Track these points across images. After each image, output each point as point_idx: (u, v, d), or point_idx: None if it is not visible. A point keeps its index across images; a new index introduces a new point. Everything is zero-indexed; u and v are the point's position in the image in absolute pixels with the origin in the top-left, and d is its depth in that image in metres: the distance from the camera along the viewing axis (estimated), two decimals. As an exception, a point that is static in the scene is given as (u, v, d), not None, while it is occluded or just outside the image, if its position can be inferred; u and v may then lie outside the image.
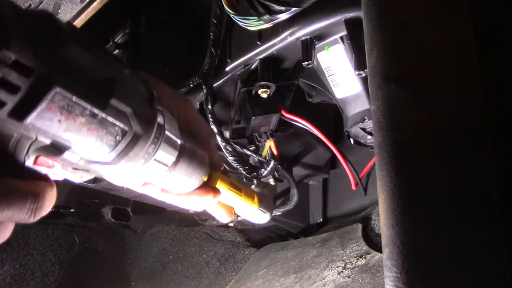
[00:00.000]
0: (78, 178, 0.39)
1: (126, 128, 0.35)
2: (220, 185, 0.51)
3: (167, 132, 0.40)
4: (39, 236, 1.41)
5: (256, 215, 0.58)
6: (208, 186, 0.49)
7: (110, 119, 0.34)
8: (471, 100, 0.41)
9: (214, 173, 0.50)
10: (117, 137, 0.35)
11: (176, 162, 0.42)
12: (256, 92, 0.85)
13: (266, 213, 0.59)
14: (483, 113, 0.40)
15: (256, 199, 0.57)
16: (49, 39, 0.31)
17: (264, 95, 0.85)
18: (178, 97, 0.49)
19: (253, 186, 0.63)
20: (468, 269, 0.35)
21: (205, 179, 0.48)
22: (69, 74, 0.31)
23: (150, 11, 1.02)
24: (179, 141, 0.42)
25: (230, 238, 1.49)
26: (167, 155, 0.40)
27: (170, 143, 0.41)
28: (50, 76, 0.30)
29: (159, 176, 0.42)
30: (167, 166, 0.41)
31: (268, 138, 0.92)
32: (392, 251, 0.41)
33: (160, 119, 0.39)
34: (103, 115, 0.34)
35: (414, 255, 0.39)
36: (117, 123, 0.35)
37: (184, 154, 0.43)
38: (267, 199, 0.60)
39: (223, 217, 0.55)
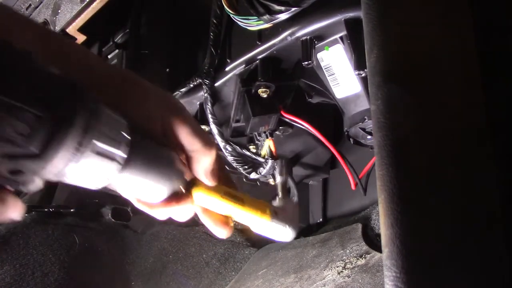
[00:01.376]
0: (35, 186, 0.35)
1: (41, 114, 0.31)
2: (205, 194, 0.48)
3: (104, 124, 0.35)
4: (39, 236, 1.41)
5: (272, 229, 0.54)
6: (182, 196, 0.46)
7: (18, 104, 0.30)
8: (471, 100, 0.41)
9: (196, 183, 0.47)
10: (33, 124, 0.31)
11: (127, 160, 0.38)
12: (256, 91, 0.85)
13: (285, 227, 0.54)
14: (483, 113, 0.40)
15: (268, 211, 0.53)
16: None
17: (264, 95, 0.85)
18: (168, 105, 0.45)
19: (273, 202, 0.60)
20: (468, 269, 0.35)
21: (183, 189, 0.45)
22: None
23: (150, 11, 1.02)
24: (127, 137, 0.38)
25: (230, 238, 1.49)
26: (108, 147, 0.36)
27: (111, 136, 0.36)
28: None
29: (110, 175, 0.38)
30: (112, 160, 0.36)
31: (267, 138, 0.92)
32: (392, 251, 0.41)
33: (91, 107, 0.35)
34: (9, 100, 0.29)
35: (414, 255, 0.39)
36: (28, 108, 0.30)
37: (139, 153, 0.39)
38: (288, 213, 0.55)
39: (216, 231, 0.52)
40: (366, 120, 0.85)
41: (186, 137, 0.45)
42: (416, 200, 0.40)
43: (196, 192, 0.47)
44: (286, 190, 0.75)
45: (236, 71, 0.88)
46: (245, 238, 1.49)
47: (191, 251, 1.49)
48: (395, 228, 0.41)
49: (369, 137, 0.92)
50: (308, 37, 0.78)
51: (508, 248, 0.35)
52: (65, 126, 0.32)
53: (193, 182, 0.47)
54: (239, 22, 0.81)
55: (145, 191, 0.42)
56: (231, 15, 0.81)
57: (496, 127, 0.39)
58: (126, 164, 0.38)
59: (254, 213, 0.51)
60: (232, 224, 0.52)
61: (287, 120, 0.90)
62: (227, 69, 0.88)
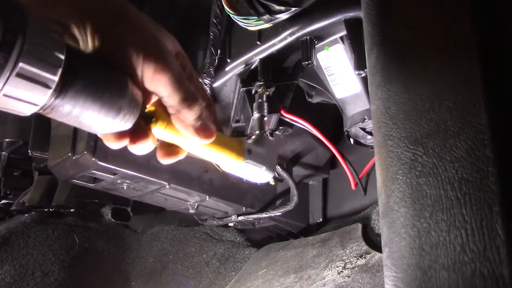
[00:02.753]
0: None
1: None
2: (167, 130, 0.43)
3: (30, 42, 0.31)
4: (39, 236, 1.42)
5: (245, 170, 0.49)
6: (138, 130, 0.41)
7: None
8: (471, 99, 0.41)
9: (157, 115, 0.42)
10: None
11: (63, 85, 0.33)
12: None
13: (261, 167, 0.49)
14: (483, 112, 0.40)
15: (241, 150, 0.48)
16: None
17: (264, 96, 0.85)
18: (153, 45, 0.41)
19: (249, 140, 0.54)
20: (468, 270, 0.35)
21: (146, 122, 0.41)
22: None
23: (150, 11, 1.02)
24: (61, 57, 0.33)
25: (230, 238, 1.49)
26: (34, 69, 0.31)
27: (39, 56, 0.31)
28: None
29: (40, 100, 0.33)
30: (39, 83, 0.32)
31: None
32: (392, 250, 0.41)
33: (13, 20, 0.30)
34: None
35: (414, 255, 0.39)
36: None
37: (80, 77, 0.35)
38: (263, 152, 0.50)
39: (163, 159, 0.46)
40: (366, 120, 0.85)
41: (163, 86, 0.40)
42: (417, 200, 0.40)
43: (156, 127, 0.42)
44: (262, 126, 0.70)
45: (236, 71, 0.88)
46: (245, 238, 1.49)
47: (191, 251, 1.49)
48: (395, 227, 0.41)
49: (369, 137, 0.92)
50: (308, 37, 0.78)
51: (508, 249, 0.35)
52: None
53: (154, 114, 0.42)
54: (239, 22, 0.81)
55: (90, 122, 0.37)
56: (231, 15, 0.81)
57: (499, 126, 0.39)
58: (63, 88, 0.34)
59: (224, 153, 0.47)
60: (181, 153, 0.47)
61: (287, 119, 0.90)
62: (227, 69, 0.88)
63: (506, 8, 0.43)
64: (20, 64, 0.30)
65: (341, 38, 0.79)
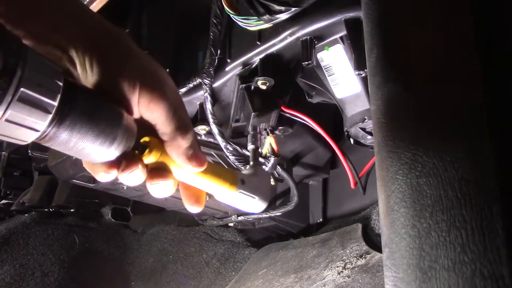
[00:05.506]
0: None
1: None
2: (160, 159, 0.43)
3: (30, 68, 0.32)
4: (39, 236, 1.42)
5: (240, 200, 0.49)
6: (130, 159, 0.42)
7: None
8: (471, 100, 0.41)
9: (151, 145, 0.43)
10: None
11: (61, 111, 0.34)
12: (255, 87, 0.85)
13: (254, 197, 0.49)
14: (483, 114, 0.40)
15: (234, 180, 0.48)
16: None
17: (263, 87, 0.85)
18: (150, 75, 0.42)
19: (243, 170, 0.55)
20: (468, 270, 0.35)
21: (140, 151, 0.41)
22: None
23: (150, 11, 1.02)
24: (59, 84, 0.34)
25: (230, 238, 1.49)
26: (35, 94, 0.32)
27: (39, 82, 0.32)
28: None
29: (39, 126, 0.34)
30: (40, 108, 0.33)
31: (268, 135, 0.92)
32: (392, 251, 0.41)
33: (15, 49, 0.31)
34: None
35: (414, 255, 0.39)
36: None
37: (77, 104, 0.35)
38: (258, 182, 0.50)
39: (188, 203, 0.49)
40: (366, 120, 0.85)
41: (158, 114, 0.42)
42: (417, 200, 0.40)
43: (151, 157, 0.43)
44: (257, 158, 0.70)
45: (236, 71, 0.88)
46: (245, 238, 1.49)
47: (191, 251, 1.49)
48: (395, 228, 0.41)
49: (369, 137, 0.92)
50: (308, 37, 0.78)
51: (508, 250, 0.35)
52: None
53: (148, 144, 0.43)
54: (239, 22, 0.81)
55: (87, 151, 0.38)
56: (231, 15, 0.81)
57: (496, 127, 0.39)
58: (61, 116, 0.35)
59: (217, 182, 0.47)
60: (205, 199, 0.49)
61: (287, 115, 0.90)
62: (227, 69, 0.88)
63: (506, 10, 0.43)
64: (22, 89, 0.31)
65: (341, 38, 0.79)
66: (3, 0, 0.36)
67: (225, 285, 1.36)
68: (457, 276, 0.35)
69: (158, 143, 0.44)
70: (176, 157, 0.44)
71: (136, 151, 0.43)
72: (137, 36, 1.00)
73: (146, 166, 0.44)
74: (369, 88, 0.50)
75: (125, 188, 1.10)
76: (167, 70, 0.98)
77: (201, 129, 0.96)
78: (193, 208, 0.49)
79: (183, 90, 0.92)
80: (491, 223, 0.35)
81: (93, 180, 1.09)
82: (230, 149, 0.93)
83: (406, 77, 0.46)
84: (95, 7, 0.88)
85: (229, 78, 0.89)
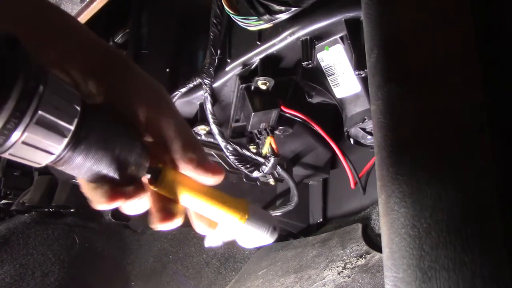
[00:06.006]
0: None
1: None
2: (172, 185, 0.43)
3: (50, 92, 0.32)
4: (39, 236, 1.42)
5: (248, 232, 0.48)
6: (138, 185, 0.41)
7: None
8: (471, 100, 0.41)
9: (164, 172, 0.42)
10: None
11: (78, 135, 0.35)
12: (255, 87, 0.85)
13: (263, 230, 0.48)
14: (483, 114, 0.40)
15: (246, 210, 0.47)
16: None
17: (263, 87, 0.85)
18: (157, 94, 0.43)
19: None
20: (468, 271, 0.35)
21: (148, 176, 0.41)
22: None
23: (150, 11, 1.02)
24: (77, 108, 0.34)
25: (230, 238, 1.49)
26: (53, 118, 0.33)
27: (58, 106, 0.33)
28: None
29: (55, 149, 0.34)
30: (57, 132, 0.33)
31: (268, 135, 0.92)
32: (392, 251, 0.41)
33: (35, 71, 0.31)
34: None
35: (414, 255, 0.39)
36: None
37: (93, 128, 0.36)
38: (266, 215, 0.49)
39: (201, 229, 0.48)
40: (366, 120, 0.85)
41: (168, 131, 0.42)
42: (417, 201, 0.40)
43: (163, 183, 0.42)
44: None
45: (236, 71, 0.88)
46: (245, 238, 1.49)
47: (191, 251, 1.49)
48: (395, 228, 0.41)
49: (369, 137, 0.92)
50: (308, 37, 0.78)
51: (508, 250, 0.35)
52: (3, 92, 0.29)
53: (161, 170, 0.43)
54: (239, 22, 0.81)
55: (98, 173, 0.38)
56: (231, 15, 0.81)
57: (497, 127, 0.39)
58: (77, 140, 0.35)
59: (227, 210, 0.46)
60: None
61: (287, 115, 0.90)
62: (227, 69, 0.88)
63: (506, 11, 0.43)
64: (40, 112, 0.31)
65: (341, 38, 0.79)
66: (24, 28, 0.36)
67: (225, 285, 1.36)
68: (457, 276, 0.35)
69: (172, 167, 0.43)
70: (194, 170, 0.44)
71: (150, 177, 0.42)
72: (137, 36, 1.00)
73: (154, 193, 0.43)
74: (369, 88, 0.50)
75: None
76: (167, 70, 0.99)
77: (201, 129, 0.96)
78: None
79: (183, 90, 0.92)
80: (491, 223, 0.35)
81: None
82: (230, 149, 0.93)
83: (406, 77, 0.46)
84: (95, 7, 0.88)
85: (229, 78, 0.89)
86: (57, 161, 0.35)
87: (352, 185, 1.04)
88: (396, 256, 0.40)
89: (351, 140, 0.94)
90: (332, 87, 0.87)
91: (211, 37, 0.87)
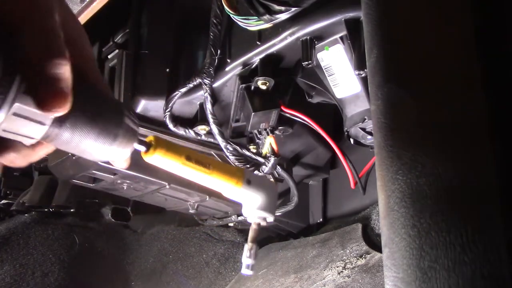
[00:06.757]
0: None
1: None
2: (165, 157, 0.43)
3: None
4: (39, 236, 1.42)
5: (246, 198, 0.50)
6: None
7: None
8: (471, 99, 0.41)
9: (155, 143, 0.43)
10: None
11: (60, 117, 0.35)
12: (255, 87, 0.85)
13: (259, 197, 0.49)
14: (483, 112, 0.40)
15: (242, 178, 0.48)
16: None
17: (263, 87, 0.85)
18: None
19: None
20: (468, 271, 0.35)
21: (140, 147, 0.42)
22: None
23: (150, 11, 1.02)
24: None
25: (230, 238, 1.49)
26: (29, 108, 0.33)
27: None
28: None
29: (42, 126, 0.35)
30: (37, 123, 0.34)
31: (268, 135, 0.92)
32: (392, 251, 0.41)
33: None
34: None
35: (414, 255, 0.39)
36: None
37: (80, 103, 0.36)
38: (264, 184, 0.51)
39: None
40: (366, 120, 0.85)
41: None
42: (417, 200, 0.40)
43: (154, 155, 0.43)
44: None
45: (236, 71, 0.88)
46: (245, 238, 1.49)
47: (191, 251, 1.49)
48: (395, 228, 0.41)
49: (369, 137, 0.92)
50: (308, 37, 0.78)
51: (508, 250, 0.35)
52: None
53: (152, 142, 0.43)
54: (239, 22, 0.81)
55: (90, 150, 0.38)
56: (231, 15, 0.81)
57: (497, 126, 0.39)
58: (61, 119, 0.36)
59: (221, 178, 0.47)
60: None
61: (287, 115, 0.90)
62: (227, 69, 0.88)
63: (506, 11, 0.43)
64: (16, 104, 0.33)
65: (341, 38, 0.79)
66: None
67: (225, 285, 1.36)
68: (457, 276, 0.35)
69: (164, 141, 0.44)
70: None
71: (141, 149, 0.43)
72: (137, 36, 1.00)
73: None
74: (369, 88, 0.50)
75: (125, 188, 1.10)
76: (167, 70, 0.99)
77: (201, 129, 0.96)
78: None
79: (183, 90, 0.92)
80: (491, 223, 0.35)
81: (93, 180, 1.09)
82: (230, 149, 0.93)
83: (406, 77, 0.46)
84: (95, 7, 0.88)
85: (229, 78, 0.89)
86: (46, 137, 0.36)
87: (352, 185, 1.04)
88: (396, 256, 0.40)
89: (351, 140, 0.94)
90: (332, 87, 0.87)
91: (211, 37, 0.87)
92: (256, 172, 0.55)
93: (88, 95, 0.38)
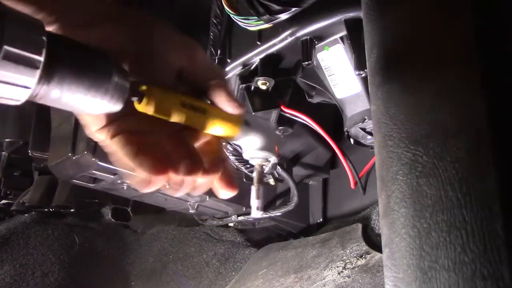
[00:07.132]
0: None
1: None
2: (157, 104, 0.42)
3: (12, 24, 0.32)
4: (39, 236, 1.42)
5: (245, 140, 0.49)
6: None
7: None
8: (471, 100, 0.41)
9: (147, 92, 0.41)
10: None
11: (49, 66, 0.34)
12: (255, 87, 0.85)
13: (257, 138, 0.49)
14: (483, 113, 0.40)
15: (239, 120, 0.47)
16: None
17: (263, 87, 0.85)
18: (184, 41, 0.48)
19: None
20: (468, 270, 0.35)
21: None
22: None
23: (149, 11, 1.02)
24: (43, 38, 0.33)
25: (230, 238, 1.49)
26: (20, 51, 0.32)
27: (24, 38, 0.32)
28: None
29: (28, 82, 0.34)
30: (27, 64, 0.33)
31: (268, 135, 0.92)
32: (392, 251, 0.41)
33: None
34: None
35: (414, 255, 0.39)
36: None
37: (64, 57, 0.35)
38: (262, 126, 0.50)
39: (220, 187, 0.48)
40: (366, 120, 0.85)
41: (203, 69, 0.47)
42: (417, 200, 0.40)
43: (148, 104, 0.42)
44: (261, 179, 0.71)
45: (236, 71, 0.88)
46: (245, 238, 1.49)
47: (191, 251, 1.49)
48: (395, 228, 0.41)
49: (369, 137, 0.92)
50: (308, 37, 0.78)
51: (508, 251, 0.35)
52: None
53: (145, 92, 0.42)
54: (239, 22, 0.81)
55: (81, 105, 0.37)
56: (231, 15, 0.81)
57: (497, 126, 0.39)
58: (50, 71, 0.34)
59: (219, 122, 0.46)
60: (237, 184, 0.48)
61: (287, 115, 0.90)
62: (227, 69, 0.88)
63: (506, 11, 0.43)
64: (5, 47, 0.31)
65: (341, 38, 0.79)
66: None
67: (225, 285, 1.36)
68: (457, 277, 0.35)
69: (157, 88, 0.42)
70: (226, 100, 0.46)
71: (135, 102, 0.42)
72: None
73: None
74: (369, 88, 0.50)
75: (125, 188, 1.10)
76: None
77: (201, 129, 0.96)
78: (226, 193, 0.48)
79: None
80: (491, 223, 0.35)
81: (93, 180, 1.09)
82: (230, 149, 0.93)
83: (406, 77, 0.46)
84: (95, 7, 0.87)
85: (229, 78, 0.89)
86: (35, 96, 0.35)
87: (352, 185, 1.04)
88: (396, 256, 0.40)
89: (351, 140, 0.94)
90: (332, 87, 0.87)
91: (211, 37, 0.87)
92: None
93: (75, 49, 0.37)
